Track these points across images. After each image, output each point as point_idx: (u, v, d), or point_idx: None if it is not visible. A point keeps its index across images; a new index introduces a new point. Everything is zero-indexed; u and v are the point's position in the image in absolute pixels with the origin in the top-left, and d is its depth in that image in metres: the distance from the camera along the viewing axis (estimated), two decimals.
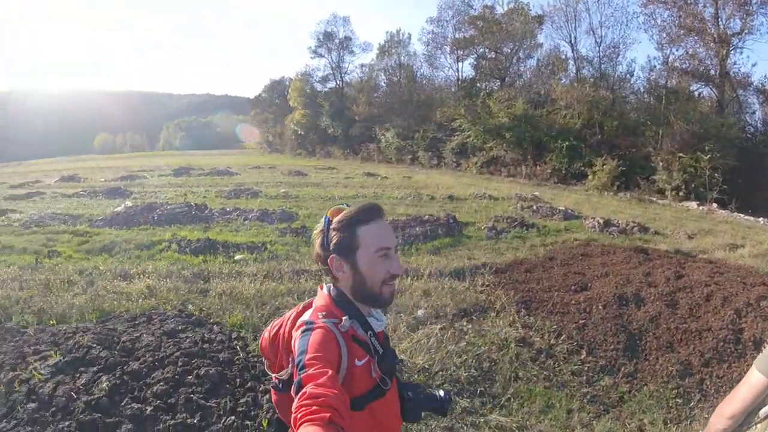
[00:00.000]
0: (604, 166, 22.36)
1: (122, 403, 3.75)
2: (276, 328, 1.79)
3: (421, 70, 45.13)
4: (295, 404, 1.24)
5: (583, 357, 5.12)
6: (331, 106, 49.15)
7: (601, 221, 11.84)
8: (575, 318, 5.86)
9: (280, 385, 1.71)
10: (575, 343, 5.35)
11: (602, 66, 31.66)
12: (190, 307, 6.27)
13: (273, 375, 1.75)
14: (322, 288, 1.73)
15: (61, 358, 4.45)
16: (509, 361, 4.90)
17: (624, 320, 5.71)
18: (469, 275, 7.39)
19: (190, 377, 4.16)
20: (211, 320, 5.75)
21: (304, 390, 1.27)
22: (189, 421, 3.60)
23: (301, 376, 1.33)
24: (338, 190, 18.47)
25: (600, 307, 6.02)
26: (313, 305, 1.68)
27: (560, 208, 14.01)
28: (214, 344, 4.87)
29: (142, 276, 7.72)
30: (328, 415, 1.18)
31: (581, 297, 6.38)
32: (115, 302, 6.58)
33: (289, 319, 1.74)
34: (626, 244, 9.98)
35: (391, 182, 22.07)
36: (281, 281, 7.25)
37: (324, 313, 1.59)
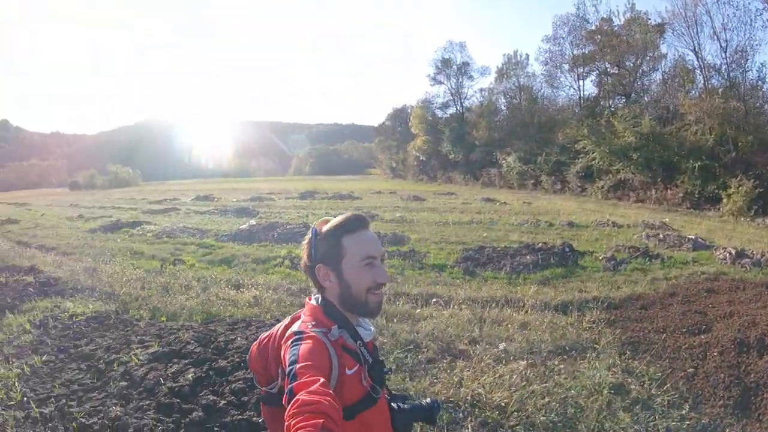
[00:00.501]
0: (740, 188, 20.23)
1: (200, 394, 4.21)
2: (265, 340, 1.81)
3: (542, 91, 43.64)
4: (287, 412, 1.25)
5: (684, 412, 4.43)
6: (452, 132, 49.37)
7: (733, 252, 10.46)
8: (685, 365, 5.19)
9: (269, 398, 1.76)
10: (679, 395, 4.69)
11: (731, 74, 28.41)
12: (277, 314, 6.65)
13: (262, 388, 1.80)
14: (310, 299, 1.75)
15: (160, 348, 5.18)
16: (598, 409, 4.39)
17: (741, 370, 4.90)
18: (576, 310, 6.87)
19: None
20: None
21: (296, 397, 1.28)
22: (255, 419, 3.86)
23: (293, 384, 1.35)
24: (453, 215, 18.01)
25: (716, 353, 5.26)
26: (302, 316, 1.71)
27: (690, 236, 12.62)
28: None
29: (251, 287, 8.37)
30: (321, 421, 1.19)
31: (697, 340, 5.67)
32: (221, 307, 7.22)
33: (278, 330, 1.77)
34: (759, 278, 8.74)
35: (509, 208, 21.43)
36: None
37: (313, 323, 1.62)
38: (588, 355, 5.41)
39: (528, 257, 10.01)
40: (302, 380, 1.34)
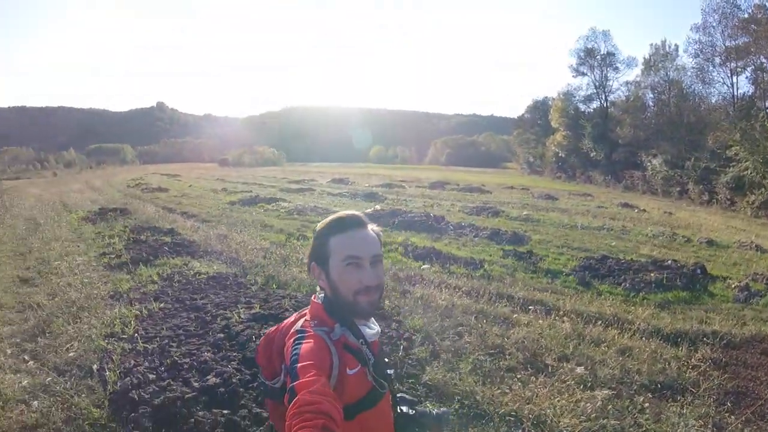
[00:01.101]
0: None
1: None
2: (272, 334, 1.82)
3: (692, 87, 38.04)
4: (288, 411, 1.26)
5: None
6: (594, 128, 45.66)
7: None
8: None
9: (272, 392, 1.76)
10: None
11: None
12: (386, 302, 6.67)
13: (266, 382, 1.79)
14: (315, 298, 1.72)
15: (261, 311, 5.85)
16: None
17: None
18: (689, 343, 5.94)
19: None
20: (395, 317, 6.19)
21: (297, 397, 1.28)
22: None
23: (294, 383, 1.35)
24: (584, 219, 17.03)
25: None
26: (305, 315, 1.71)
27: None
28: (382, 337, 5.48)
29: None
30: (322, 421, 1.20)
31: None
32: None
33: (284, 327, 1.77)
34: None
35: (647, 217, 19.32)
36: (478, 300, 7.10)
37: (315, 322, 1.62)
38: (682, 398, 4.64)
39: (652, 275, 9.00)
40: (303, 379, 1.35)
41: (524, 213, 17.18)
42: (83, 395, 4.35)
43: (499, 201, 21.53)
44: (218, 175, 45.95)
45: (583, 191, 32.92)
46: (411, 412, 1.83)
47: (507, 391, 4.44)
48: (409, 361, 4.99)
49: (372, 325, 1.72)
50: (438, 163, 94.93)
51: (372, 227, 1.68)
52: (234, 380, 4.26)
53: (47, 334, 5.87)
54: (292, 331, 1.61)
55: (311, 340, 1.50)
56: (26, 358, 5.31)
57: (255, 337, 4.96)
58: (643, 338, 5.96)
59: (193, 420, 3.75)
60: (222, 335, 5.20)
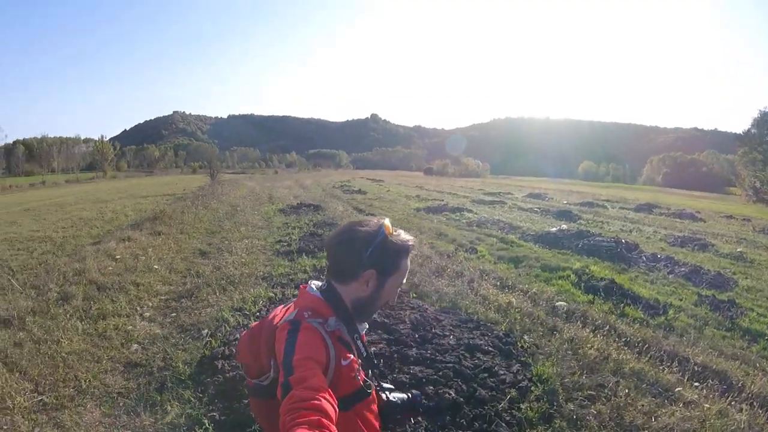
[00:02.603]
0: None
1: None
2: (257, 329, 1.77)
3: None
4: (282, 407, 1.23)
5: None
6: None
7: None
8: None
9: (258, 390, 1.74)
10: None
11: None
12: (525, 337, 5.81)
13: (252, 380, 1.76)
14: (305, 288, 1.72)
15: (377, 318, 5.74)
16: None
17: None
18: None
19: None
20: (523, 357, 5.21)
21: (292, 393, 1.26)
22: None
23: (289, 378, 1.33)
24: None
25: None
26: (297, 306, 1.67)
27: None
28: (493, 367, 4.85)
29: (516, 291, 7.75)
30: (317, 418, 1.17)
31: None
32: (469, 302, 6.98)
33: (269, 320, 1.73)
34: None
35: None
36: (641, 356, 5.49)
37: (310, 312, 1.60)
38: None
39: None
40: (298, 374, 1.33)
41: (738, 249, 13.92)
42: (182, 352, 5.29)
43: (711, 232, 18.12)
44: (419, 182, 47.43)
45: None
46: (395, 399, 1.85)
47: None
48: (507, 418, 4.04)
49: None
50: (653, 184, 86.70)
51: None
52: None
53: (192, 298, 7.21)
54: (283, 322, 1.60)
55: (306, 332, 1.50)
56: (166, 313, 6.68)
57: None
58: None
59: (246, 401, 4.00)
60: None
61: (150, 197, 27.45)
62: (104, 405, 4.30)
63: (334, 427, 1.19)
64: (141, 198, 27.22)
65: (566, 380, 4.71)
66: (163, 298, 7.39)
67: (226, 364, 4.69)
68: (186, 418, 4.02)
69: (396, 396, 1.87)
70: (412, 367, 4.60)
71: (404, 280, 1.71)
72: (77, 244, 11.80)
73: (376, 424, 1.71)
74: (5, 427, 3.99)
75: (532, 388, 4.54)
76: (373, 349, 4.43)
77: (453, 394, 4.17)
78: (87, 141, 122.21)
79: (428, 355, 4.84)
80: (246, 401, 3.99)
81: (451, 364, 4.65)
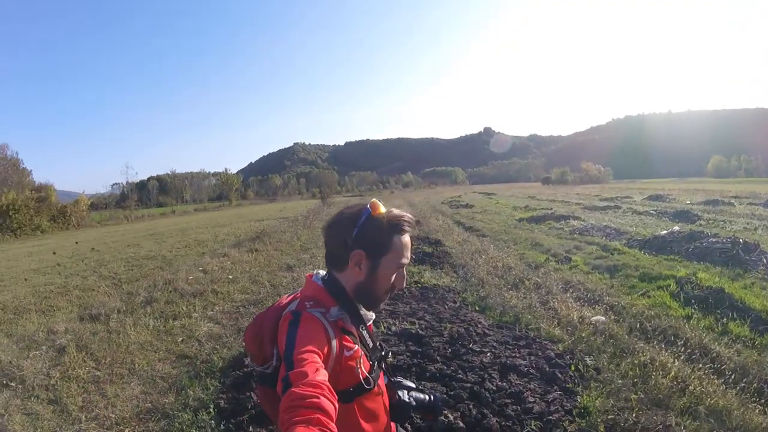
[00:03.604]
0: None
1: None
2: (260, 318, 1.73)
3: None
4: (282, 404, 1.20)
5: None
6: None
7: None
8: None
9: (263, 378, 1.70)
10: None
11: None
12: (587, 359, 5.04)
13: (257, 368, 1.73)
14: (311, 276, 1.70)
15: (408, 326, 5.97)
16: None
17: None
18: None
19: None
20: (574, 386, 4.47)
21: (291, 390, 1.22)
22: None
23: (289, 372, 1.29)
24: None
25: None
26: (300, 295, 1.66)
27: None
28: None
29: (593, 304, 7.12)
30: (316, 416, 1.14)
31: None
32: (533, 317, 6.50)
33: (274, 308, 1.70)
34: None
35: None
36: (730, 387, 4.36)
37: (312, 302, 1.57)
38: None
39: None
40: (298, 369, 1.29)
41: None
42: (227, 350, 5.96)
43: None
44: (532, 193, 46.39)
45: None
46: (410, 400, 1.80)
47: None
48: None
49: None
50: None
51: None
52: None
53: (259, 305, 7.89)
54: (286, 312, 1.58)
55: (307, 323, 1.48)
56: (233, 317, 7.49)
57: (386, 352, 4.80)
58: None
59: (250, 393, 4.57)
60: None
61: (264, 220, 29.18)
62: (146, 384, 5.21)
63: (333, 425, 1.16)
64: (256, 221, 29.03)
65: (615, 416, 3.81)
66: (236, 304, 8.29)
67: (248, 370, 5.07)
68: (198, 402, 4.64)
69: (414, 395, 1.83)
70: (425, 383, 4.36)
71: (406, 260, 1.62)
72: (184, 261, 13.36)
73: (383, 418, 1.68)
74: (61, 389, 5.19)
75: (565, 423, 3.79)
76: (390, 359, 3.95)
77: (452, 418, 3.72)
78: (216, 174, 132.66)
79: (449, 371, 4.57)
80: (249, 393, 4.56)
81: (470, 384, 4.27)
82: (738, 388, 4.30)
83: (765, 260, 9.94)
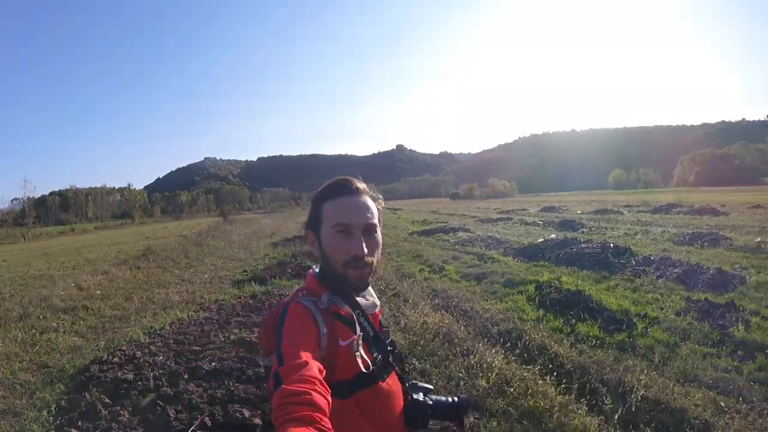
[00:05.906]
0: None
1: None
2: (269, 313, 1.66)
3: None
4: (273, 401, 1.15)
5: None
6: None
7: None
8: None
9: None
10: None
11: None
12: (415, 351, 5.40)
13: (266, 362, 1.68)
14: (312, 271, 1.65)
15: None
16: None
17: None
18: None
19: None
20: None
21: (282, 387, 1.15)
22: None
23: (279, 368, 1.23)
24: None
25: None
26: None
27: None
28: None
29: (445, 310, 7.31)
30: (308, 413, 1.08)
31: None
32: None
33: (282, 303, 1.61)
34: None
35: None
36: (563, 387, 4.41)
37: (304, 292, 1.53)
38: None
39: None
40: (288, 364, 1.23)
41: (756, 240, 12.49)
42: (71, 364, 6.31)
43: (730, 225, 16.60)
44: (436, 208, 47.42)
45: None
46: (427, 400, 1.63)
47: None
48: None
49: (368, 297, 1.61)
50: (686, 185, 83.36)
51: (369, 195, 1.55)
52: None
53: (124, 320, 8.48)
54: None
55: (292, 313, 1.43)
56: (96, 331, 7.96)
57: None
58: None
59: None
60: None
61: (162, 238, 28.24)
62: (6, 390, 5.61)
63: (327, 420, 1.09)
64: (155, 239, 28.08)
65: None
66: (104, 319, 8.67)
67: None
68: (43, 402, 5.20)
69: (433, 398, 1.65)
70: None
71: (339, 219, 1.47)
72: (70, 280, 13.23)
73: (391, 421, 1.54)
74: None
75: None
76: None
77: None
78: (120, 190, 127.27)
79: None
80: (84, 393, 5.12)
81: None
82: (562, 387, 4.36)
83: (633, 262, 10.53)
